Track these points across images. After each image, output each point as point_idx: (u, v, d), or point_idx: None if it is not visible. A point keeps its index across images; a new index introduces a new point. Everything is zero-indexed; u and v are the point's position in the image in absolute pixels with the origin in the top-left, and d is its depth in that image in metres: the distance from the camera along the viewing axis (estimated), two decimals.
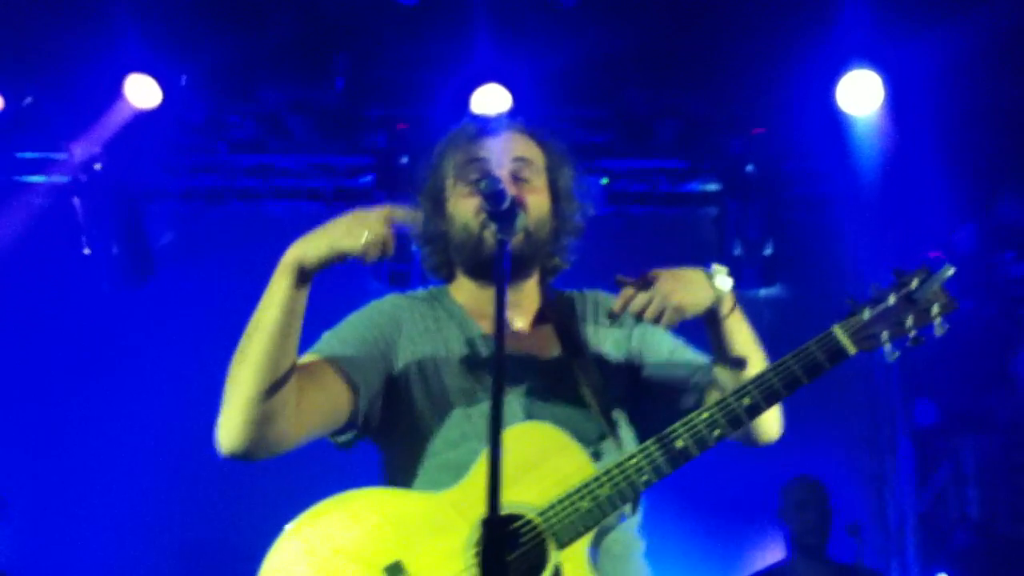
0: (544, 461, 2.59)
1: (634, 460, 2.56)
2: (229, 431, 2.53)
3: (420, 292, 3.03)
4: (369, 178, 6.94)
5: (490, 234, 2.63)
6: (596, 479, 2.55)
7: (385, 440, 2.87)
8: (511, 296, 2.89)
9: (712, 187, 7.04)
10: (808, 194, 7.07)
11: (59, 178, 6.83)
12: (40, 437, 6.92)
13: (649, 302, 2.61)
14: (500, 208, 2.49)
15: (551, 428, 2.65)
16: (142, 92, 6.16)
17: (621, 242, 6.56)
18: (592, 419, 2.77)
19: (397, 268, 6.69)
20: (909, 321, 2.59)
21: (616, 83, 6.54)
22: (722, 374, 2.80)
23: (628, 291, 2.63)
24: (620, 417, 2.85)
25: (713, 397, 2.76)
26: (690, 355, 2.94)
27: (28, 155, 6.82)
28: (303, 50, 6.27)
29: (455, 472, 2.65)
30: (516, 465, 2.41)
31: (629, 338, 2.96)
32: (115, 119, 6.23)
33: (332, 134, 6.73)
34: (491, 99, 6.17)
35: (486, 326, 2.88)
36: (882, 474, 7.29)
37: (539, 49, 6.19)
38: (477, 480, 2.57)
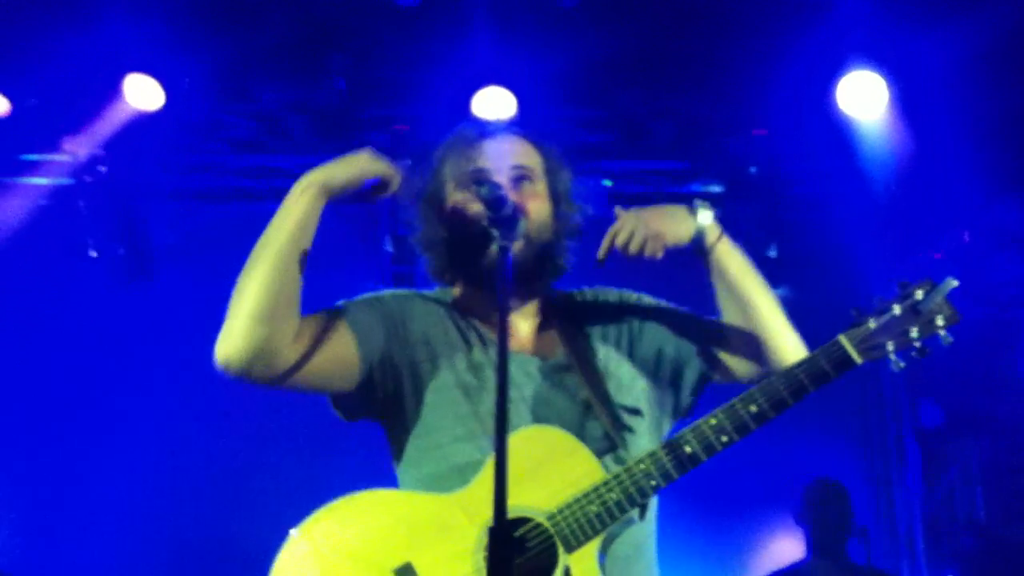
0: (553, 465, 2.60)
1: (643, 465, 2.58)
2: (228, 338, 2.59)
3: (428, 292, 3.05)
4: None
5: (490, 245, 2.70)
6: (605, 483, 2.57)
7: (392, 424, 2.88)
8: (513, 300, 2.90)
9: (714, 188, 7.03)
10: (811, 195, 7.06)
11: (62, 180, 6.82)
12: (41, 437, 6.95)
13: (631, 235, 2.71)
14: (501, 214, 2.54)
15: (560, 432, 2.66)
16: (142, 93, 6.15)
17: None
18: (597, 421, 2.76)
19: (402, 269, 6.68)
20: (914, 332, 2.64)
21: (616, 84, 6.53)
22: (726, 311, 2.87)
23: (612, 229, 2.73)
24: (628, 416, 2.84)
25: (723, 359, 2.87)
26: (695, 323, 2.98)
27: (31, 157, 6.80)
28: (303, 51, 6.26)
29: (462, 469, 2.67)
30: (525, 468, 2.43)
31: (631, 329, 2.98)
32: (112, 118, 6.22)
33: (331, 135, 6.70)
34: (491, 102, 6.16)
35: (489, 329, 2.89)
36: (889, 477, 7.29)
37: (539, 50, 6.17)
38: (486, 482, 2.56)
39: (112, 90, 6.14)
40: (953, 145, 6.34)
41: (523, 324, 2.94)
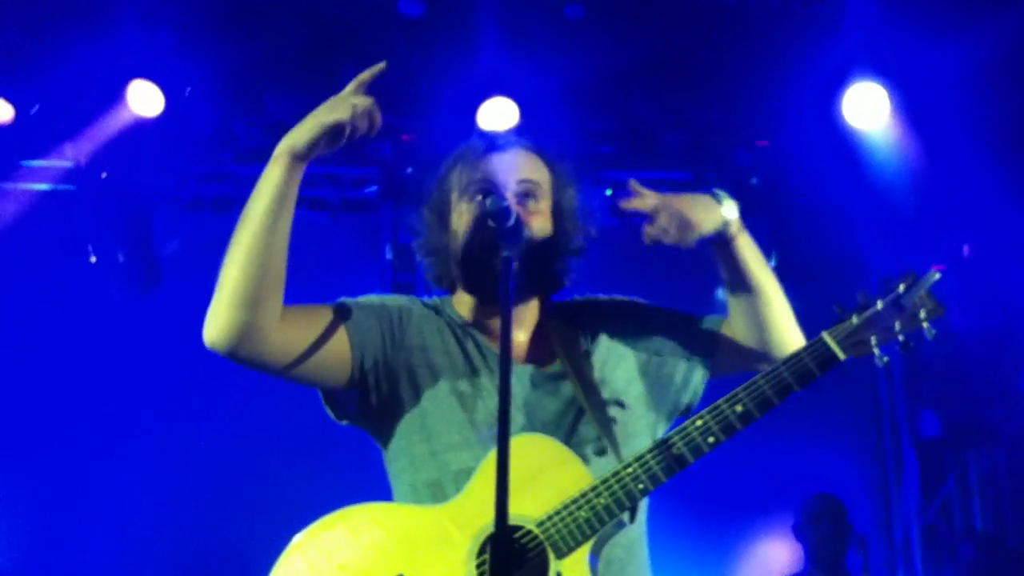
0: (542, 473, 2.61)
1: (630, 469, 2.59)
2: (212, 322, 2.59)
3: (427, 299, 3.05)
4: (374, 189, 6.96)
5: (492, 253, 2.69)
6: (594, 489, 2.58)
7: (386, 430, 2.89)
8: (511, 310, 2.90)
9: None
10: (813, 205, 7.07)
11: (65, 187, 6.85)
12: (47, 444, 6.94)
13: (664, 222, 2.71)
14: (505, 226, 2.56)
15: (549, 440, 2.68)
16: (146, 100, 6.17)
17: (625, 253, 6.54)
18: (590, 427, 2.78)
19: (402, 279, 6.71)
20: (897, 326, 2.62)
21: (622, 95, 6.56)
22: (736, 303, 2.86)
23: (639, 200, 2.73)
24: (622, 421, 2.85)
25: (724, 354, 2.88)
26: (692, 323, 3.00)
27: (34, 163, 6.84)
28: (310, 60, 6.28)
29: (457, 476, 2.69)
30: (514, 477, 2.40)
31: (626, 334, 2.99)
32: (115, 124, 6.25)
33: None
34: (497, 112, 6.18)
35: (487, 338, 2.92)
36: (887, 486, 7.29)
37: (545, 60, 6.20)
38: (475, 492, 2.61)
39: (117, 97, 6.17)
40: (956, 155, 6.36)
41: (518, 332, 2.94)
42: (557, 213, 2.97)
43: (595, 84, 6.40)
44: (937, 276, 2.61)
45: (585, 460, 2.68)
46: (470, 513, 2.58)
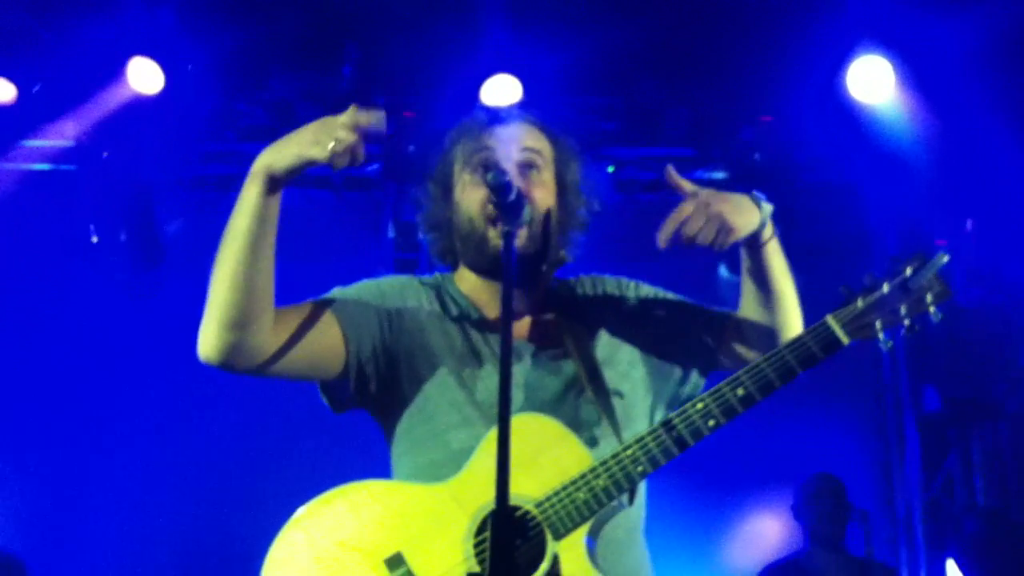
0: (542, 453, 2.61)
1: (630, 451, 2.58)
2: (205, 335, 2.61)
3: (427, 278, 3.05)
4: (376, 167, 6.95)
5: (495, 233, 2.73)
6: (593, 470, 2.58)
7: (387, 413, 2.89)
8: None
9: (720, 175, 7.03)
10: (817, 182, 7.04)
11: (66, 167, 6.85)
12: (44, 435, 6.94)
13: (702, 224, 2.59)
14: (507, 200, 2.54)
15: (549, 420, 2.67)
16: (147, 77, 6.15)
17: (629, 230, 6.53)
18: (591, 407, 2.78)
19: (404, 256, 6.71)
20: (903, 309, 2.59)
21: (625, 71, 6.53)
22: (753, 301, 2.83)
23: (680, 213, 2.60)
24: (623, 402, 2.85)
25: (730, 346, 2.87)
26: (699, 312, 2.98)
27: (35, 143, 6.82)
28: (312, 38, 6.27)
29: (458, 456, 2.68)
30: (515, 456, 2.38)
31: (630, 316, 2.98)
32: (116, 102, 6.23)
33: None
34: (500, 89, 6.16)
35: (488, 314, 2.91)
36: (890, 461, 7.29)
37: (548, 37, 6.18)
38: (476, 471, 2.61)
39: (117, 75, 6.15)
40: (961, 130, 6.33)
41: (520, 310, 2.92)
42: (560, 186, 2.96)
43: (598, 61, 6.37)
44: (946, 259, 2.56)
45: (585, 441, 2.67)
46: (470, 491, 2.58)
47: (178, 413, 6.90)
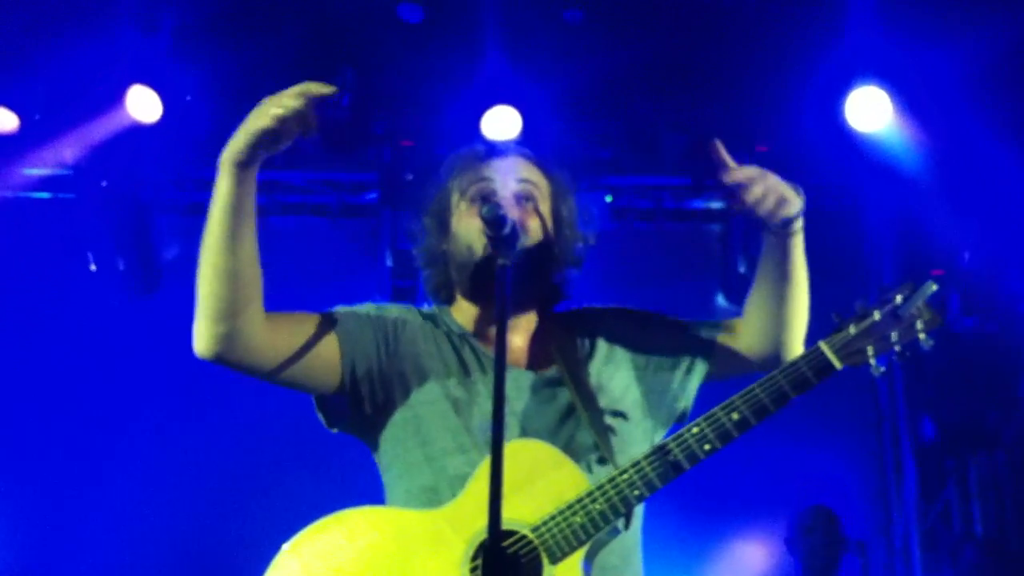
0: (538, 478, 2.61)
1: (626, 475, 2.58)
2: (197, 329, 2.64)
3: (425, 309, 3.05)
4: (374, 194, 6.98)
5: (492, 258, 2.69)
6: (589, 494, 2.58)
7: (380, 437, 2.88)
8: (509, 317, 2.89)
9: (717, 204, 7.04)
10: (814, 210, 7.02)
11: (64, 195, 6.86)
12: (47, 448, 6.96)
13: (763, 191, 2.67)
14: (501, 233, 2.55)
15: (545, 445, 2.67)
16: (145, 105, 6.18)
17: (626, 258, 6.57)
18: (587, 433, 2.77)
19: (402, 284, 6.70)
20: (894, 336, 2.64)
21: (622, 99, 6.56)
22: (767, 292, 2.83)
23: (742, 174, 2.67)
24: (619, 427, 2.84)
25: (726, 355, 2.88)
26: (692, 328, 2.98)
27: (34, 172, 6.83)
28: (309, 65, 6.28)
29: (452, 482, 2.68)
30: (510, 482, 2.41)
31: (625, 341, 2.98)
32: (114, 130, 6.25)
33: (337, 150, 6.74)
34: (500, 121, 6.18)
35: (484, 344, 2.91)
36: (887, 491, 7.27)
37: (545, 64, 6.21)
38: (472, 496, 2.60)
39: (116, 103, 6.17)
40: (959, 159, 6.35)
41: (516, 338, 2.94)
42: (556, 222, 2.97)
43: (595, 88, 6.40)
44: (935, 287, 2.63)
45: (582, 467, 2.67)
46: (465, 517, 2.58)
47: (178, 418, 6.92)
